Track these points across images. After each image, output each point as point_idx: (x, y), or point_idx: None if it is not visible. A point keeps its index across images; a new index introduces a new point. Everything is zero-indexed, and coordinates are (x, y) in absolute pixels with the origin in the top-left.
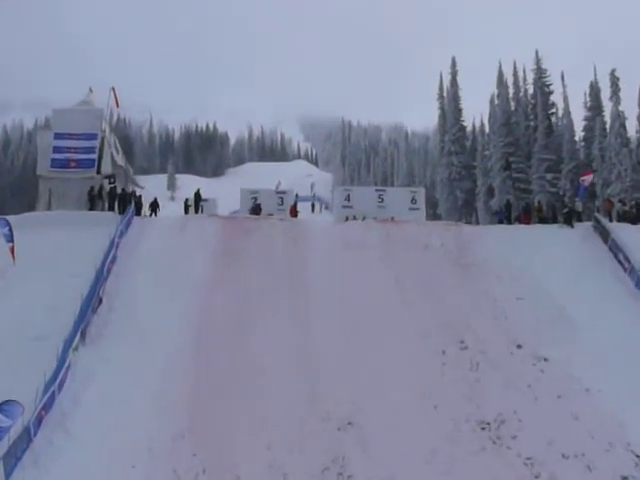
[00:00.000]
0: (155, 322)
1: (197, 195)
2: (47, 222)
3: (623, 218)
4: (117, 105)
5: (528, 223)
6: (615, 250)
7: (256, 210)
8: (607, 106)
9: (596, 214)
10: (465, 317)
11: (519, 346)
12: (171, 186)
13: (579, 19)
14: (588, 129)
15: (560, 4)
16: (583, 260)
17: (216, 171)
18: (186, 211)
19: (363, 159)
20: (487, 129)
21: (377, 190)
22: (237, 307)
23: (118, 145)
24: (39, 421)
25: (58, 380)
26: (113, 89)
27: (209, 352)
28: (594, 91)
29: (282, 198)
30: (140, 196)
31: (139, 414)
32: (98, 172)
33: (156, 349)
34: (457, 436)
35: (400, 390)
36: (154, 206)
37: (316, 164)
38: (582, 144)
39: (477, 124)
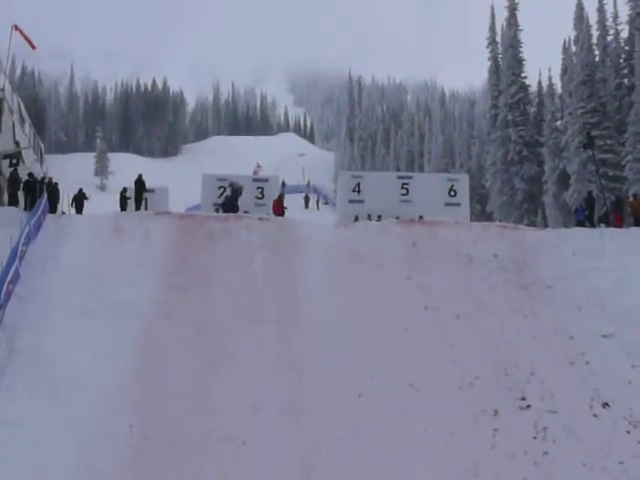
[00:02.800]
0: (77, 369)
1: (139, 183)
2: None
3: None
4: (32, 47)
5: (620, 226)
6: None
7: (230, 204)
8: None
9: None
10: (527, 362)
11: (606, 405)
12: (101, 170)
13: None
14: None
15: None
16: None
17: (167, 149)
18: (123, 206)
19: (380, 132)
20: (560, 89)
21: (400, 177)
22: (197, 348)
23: (24, 110)
24: None
25: None
26: (17, 28)
27: (156, 413)
28: None
29: (262, 188)
30: (56, 184)
31: None
32: None
33: (78, 408)
34: None
35: (431, 467)
36: (79, 200)
37: (311, 139)
38: None
39: (545, 82)
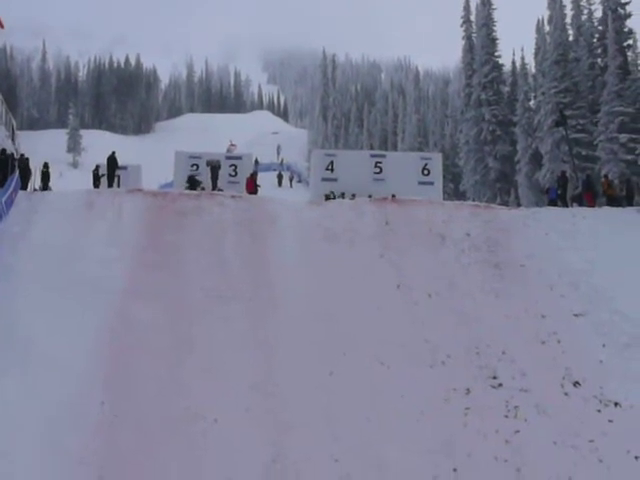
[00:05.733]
0: (48, 347)
1: (111, 160)
2: None
3: None
4: (0, 26)
5: (592, 205)
6: None
7: (213, 181)
8: None
9: None
10: (499, 341)
11: (577, 384)
12: (74, 147)
13: None
14: None
15: None
16: None
17: (140, 126)
18: (96, 184)
19: (353, 110)
20: (533, 69)
21: (373, 156)
22: (169, 326)
23: None
24: None
25: None
26: None
27: (127, 391)
28: None
29: (235, 166)
30: (27, 160)
31: None
32: None
33: (49, 387)
34: None
35: (403, 446)
36: (45, 175)
37: (285, 117)
38: None
39: (518, 61)
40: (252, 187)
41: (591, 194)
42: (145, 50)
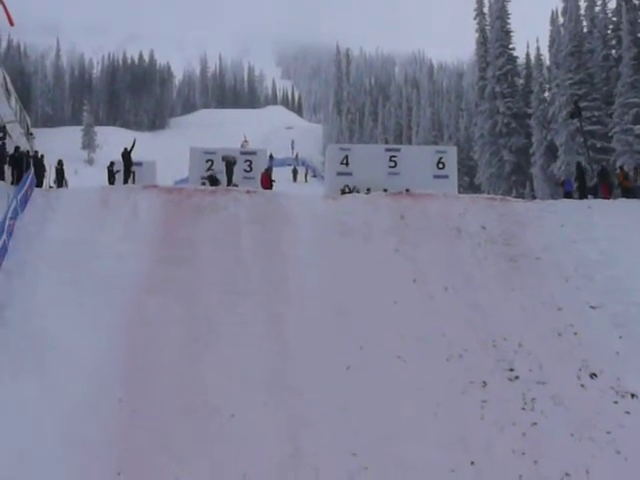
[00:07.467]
0: (65, 344)
1: (126, 156)
2: None
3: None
4: (10, 23)
5: (608, 197)
6: None
7: (228, 177)
8: None
9: None
10: (515, 333)
11: (594, 375)
12: (88, 144)
13: None
14: None
15: None
16: None
17: (154, 122)
18: (111, 180)
19: (368, 104)
20: (547, 61)
21: (388, 150)
22: (185, 322)
23: (9, 83)
24: None
25: None
26: (1, 1)
27: (145, 387)
28: None
29: (250, 161)
30: (42, 157)
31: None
32: None
33: (65, 383)
34: None
35: (420, 439)
36: (59, 172)
37: (299, 112)
38: None
39: (533, 53)
40: (267, 182)
41: (606, 186)
42: (159, 46)
